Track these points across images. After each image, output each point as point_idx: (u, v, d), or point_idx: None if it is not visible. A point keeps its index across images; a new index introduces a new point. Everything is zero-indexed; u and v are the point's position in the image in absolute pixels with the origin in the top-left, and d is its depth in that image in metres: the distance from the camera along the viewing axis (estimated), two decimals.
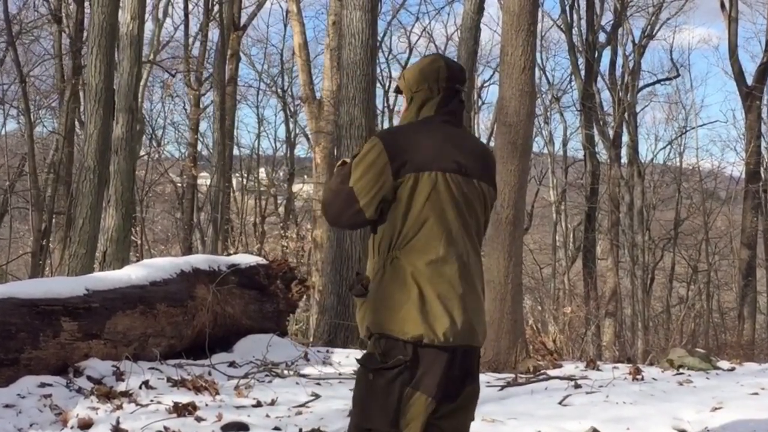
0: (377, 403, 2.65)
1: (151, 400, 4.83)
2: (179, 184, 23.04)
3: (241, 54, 21.31)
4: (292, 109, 25.37)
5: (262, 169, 27.13)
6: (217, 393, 5.12)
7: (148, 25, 16.49)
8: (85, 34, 15.08)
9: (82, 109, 16.33)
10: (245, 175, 25.87)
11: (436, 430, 2.70)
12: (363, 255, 8.29)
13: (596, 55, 21.02)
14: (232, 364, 6.16)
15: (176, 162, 23.77)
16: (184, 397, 4.89)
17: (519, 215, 7.33)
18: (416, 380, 2.63)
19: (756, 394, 5.36)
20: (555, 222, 24.57)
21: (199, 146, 22.58)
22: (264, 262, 7.35)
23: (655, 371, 6.72)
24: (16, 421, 4.34)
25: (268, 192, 25.30)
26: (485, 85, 25.59)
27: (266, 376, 5.86)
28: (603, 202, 21.29)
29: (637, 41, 21.55)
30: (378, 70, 20.25)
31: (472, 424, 2.84)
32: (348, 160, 2.82)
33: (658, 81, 23.59)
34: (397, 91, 2.94)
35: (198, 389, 5.13)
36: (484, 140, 20.54)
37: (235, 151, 23.60)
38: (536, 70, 7.95)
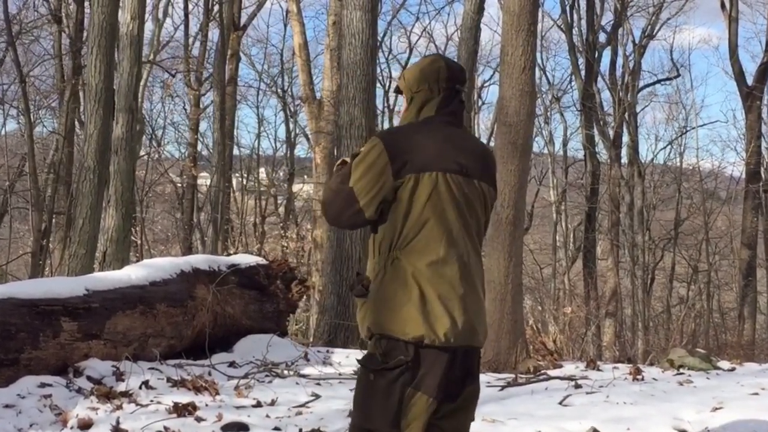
0: (378, 403, 2.65)
1: (151, 401, 4.82)
2: (179, 184, 23.01)
3: (241, 54, 21.31)
4: (292, 109, 25.39)
5: (262, 169, 27.10)
6: (217, 393, 5.12)
7: (148, 25, 16.52)
8: (85, 34, 15.06)
9: (82, 109, 16.31)
10: (245, 175, 25.84)
11: (437, 430, 2.70)
12: (363, 255, 8.28)
13: (596, 55, 21.00)
14: (232, 364, 6.16)
15: (176, 162, 23.75)
16: (184, 397, 4.89)
17: (519, 215, 7.34)
18: (417, 381, 2.63)
19: (756, 394, 5.36)
20: (555, 222, 24.55)
21: (199, 146, 22.59)
22: (264, 262, 7.35)
23: (656, 371, 6.72)
24: (16, 421, 4.34)
25: (268, 192, 25.28)
26: (485, 85, 25.63)
27: (266, 376, 5.86)
28: (603, 202, 21.28)
29: (637, 41, 21.54)
30: (378, 70, 20.24)
31: (473, 424, 2.84)
32: (348, 160, 2.82)
33: (659, 81, 23.59)
34: (398, 91, 2.93)
35: (198, 389, 5.13)
36: (484, 140, 20.54)
37: (235, 151, 23.61)
38: (536, 70, 7.95)
